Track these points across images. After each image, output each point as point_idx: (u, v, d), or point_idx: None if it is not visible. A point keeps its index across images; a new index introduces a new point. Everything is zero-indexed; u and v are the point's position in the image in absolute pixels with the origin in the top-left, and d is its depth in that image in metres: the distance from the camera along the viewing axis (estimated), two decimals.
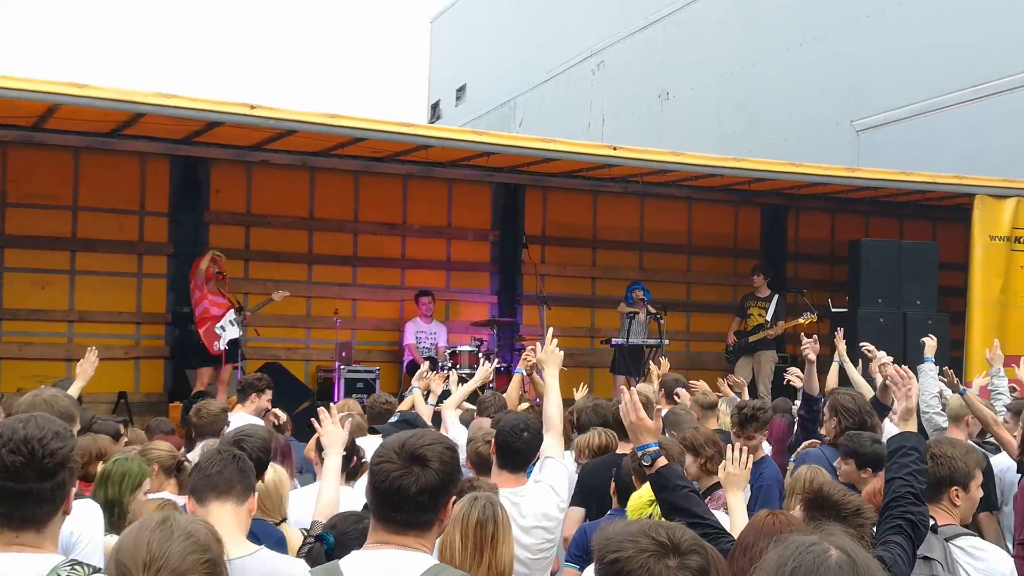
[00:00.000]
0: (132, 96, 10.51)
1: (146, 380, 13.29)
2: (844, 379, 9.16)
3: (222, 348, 12.09)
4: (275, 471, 5.50)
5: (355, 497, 5.47)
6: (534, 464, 5.43)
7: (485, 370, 8.89)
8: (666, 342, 13.57)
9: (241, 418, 8.03)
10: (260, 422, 8.11)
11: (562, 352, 5.88)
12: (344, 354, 13.08)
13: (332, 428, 5.16)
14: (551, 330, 6.15)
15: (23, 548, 3.01)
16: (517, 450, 5.30)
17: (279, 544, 4.87)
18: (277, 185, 13.93)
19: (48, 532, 3.08)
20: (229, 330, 12.12)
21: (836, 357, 9.42)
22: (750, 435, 6.84)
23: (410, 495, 3.22)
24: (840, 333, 9.57)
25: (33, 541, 3.03)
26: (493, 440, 5.43)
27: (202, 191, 13.51)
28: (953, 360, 13.10)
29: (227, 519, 4.04)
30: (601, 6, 23.59)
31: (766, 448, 7.51)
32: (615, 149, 13.11)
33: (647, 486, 4.53)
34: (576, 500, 6.35)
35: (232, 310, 12.17)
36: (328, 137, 12.12)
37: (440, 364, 12.93)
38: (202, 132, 11.90)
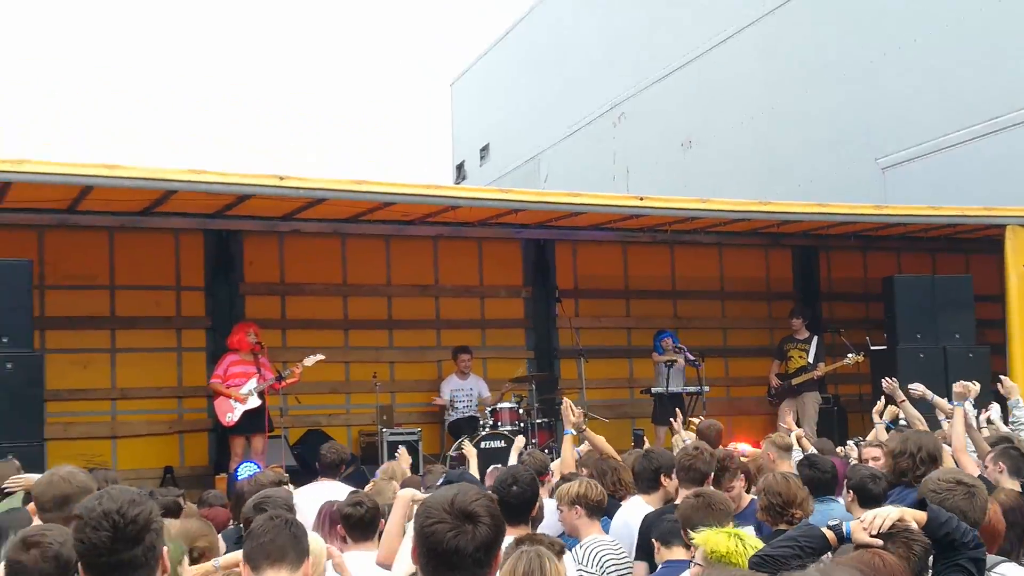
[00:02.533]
0: (163, 174, 10.72)
1: (191, 453, 13.37)
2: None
3: (235, 420, 12.06)
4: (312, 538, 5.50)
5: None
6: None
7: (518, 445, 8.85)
8: (707, 388, 13.55)
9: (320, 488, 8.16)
10: (342, 487, 8.17)
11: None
12: (385, 416, 13.10)
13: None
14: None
15: None
16: (507, 504, 5.30)
17: None
18: (309, 253, 14.06)
19: None
20: (248, 401, 12.14)
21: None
22: (729, 487, 6.89)
23: (467, 553, 3.20)
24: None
25: None
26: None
27: (236, 263, 13.66)
28: (996, 393, 13.03)
29: None
30: (620, 58, 23.78)
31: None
32: (642, 199, 13.18)
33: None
34: (637, 555, 6.26)
35: (252, 379, 12.17)
36: (357, 204, 12.29)
37: (482, 422, 12.95)
38: (233, 205, 12.08)
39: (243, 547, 4.28)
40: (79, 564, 3.18)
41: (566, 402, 8.46)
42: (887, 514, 4.02)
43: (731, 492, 6.68)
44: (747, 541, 4.48)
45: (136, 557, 3.10)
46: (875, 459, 7.76)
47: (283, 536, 4.17)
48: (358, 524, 5.94)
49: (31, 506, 6.31)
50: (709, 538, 4.48)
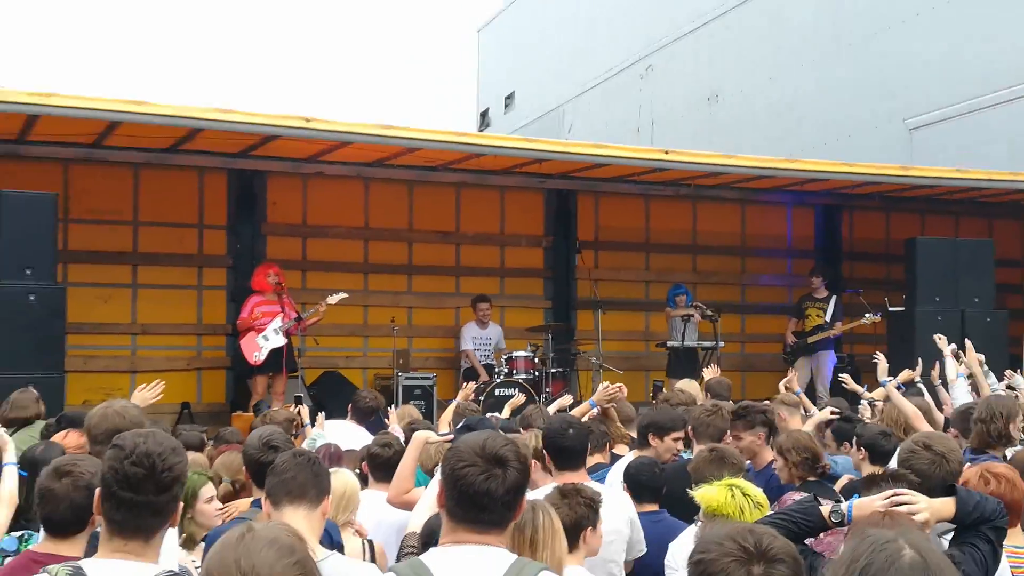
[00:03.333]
0: (190, 112, 10.75)
1: (208, 390, 13.48)
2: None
3: (261, 359, 12.16)
4: (342, 476, 5.56)
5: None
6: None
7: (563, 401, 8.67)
8: (722, 344, 13.58)
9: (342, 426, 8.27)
10: (364, 432, 8.27)
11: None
12: (402, 361, 13.18)
13: None
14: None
15: (128, 556, 3.14)
16: (566, 448, 5.39)
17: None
18: (332, 196, 14.09)
19: (154, 543, 3.21)
20: (272, 339, 12.19)
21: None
22: (737, 434, 6.70)
23: (498, 496, 3.30)
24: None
25: (139, 550, 3.16)
26: (543, 448, 5.52)
27: (259, 203, 13.70)
28: (1012, 357, 13.03)
29: (300, 523, 4.09)
30: (648, 11, 23.61)
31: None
32: (667, 153, 13.16)
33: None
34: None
35: (277, 318, 12.24)
36: (382, 148, 12.30)
37: (497, 369, 13.03)
38: (258, 146, 12.13)
39: (265, 483, 4.35)
40: (98, 491, 3.23)
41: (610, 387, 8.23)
42: (914, 503, 3.84)
43: (740, 443, 6.62)
44: (743, 489, 4.44)
45: (158, 503, 3.17)
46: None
47: (304, 473, 4.25)
48: (383, 465, 6.02)
49: (65, 436, 6.42)
50: (706, 492, 4.44)
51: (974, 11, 16.08)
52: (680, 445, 6.78)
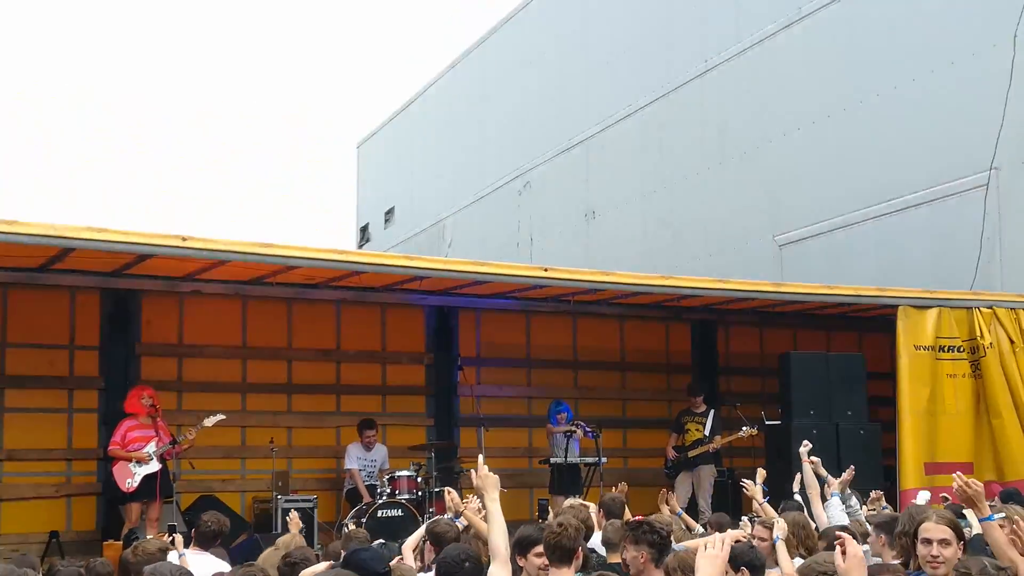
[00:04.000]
0: (62, 231, 10.46)
1: (79, 518, 12.95)
2: None
3: (134, 486, 11.77)
4: None
5: None
6: None
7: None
8: (604, 460, 13.61)
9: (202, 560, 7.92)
10: (224, 566, 8.01)
11: (496, 476, 5.88)
12: (281, 483, 12.90)
13: (487, 474, 5.55)
14: (481, 456, 6.15)
15: None
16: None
17: None
18: (209, 315, 13.86)
19: None
20: (146, 465, 11.86)
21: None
22: (625, 546, 6.53)
23: None
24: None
25: None
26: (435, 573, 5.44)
27: (133, 323, 13.39)
28: (885, 469, 13.34)
29: None
30: (526, 128, 24.09)
31: None
32: (546, 270, 13.27)
33: None
34: None
35: (152, 443, 11.92)
36: (260, 266, 12.14)
37: (380, 490, 12.82)
38: (133, 264, 11.88)
39: None
40: None
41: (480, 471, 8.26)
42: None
43: (627, 555, 6.55)
44: None
45: None
46: (762, 540, 7.82)
47: None
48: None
49: None
50: None
51: (837, 132, 16.75)
52: (546, 559, 6.71)
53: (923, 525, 5.77)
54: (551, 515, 10.78)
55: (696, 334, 16.79)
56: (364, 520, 11.92)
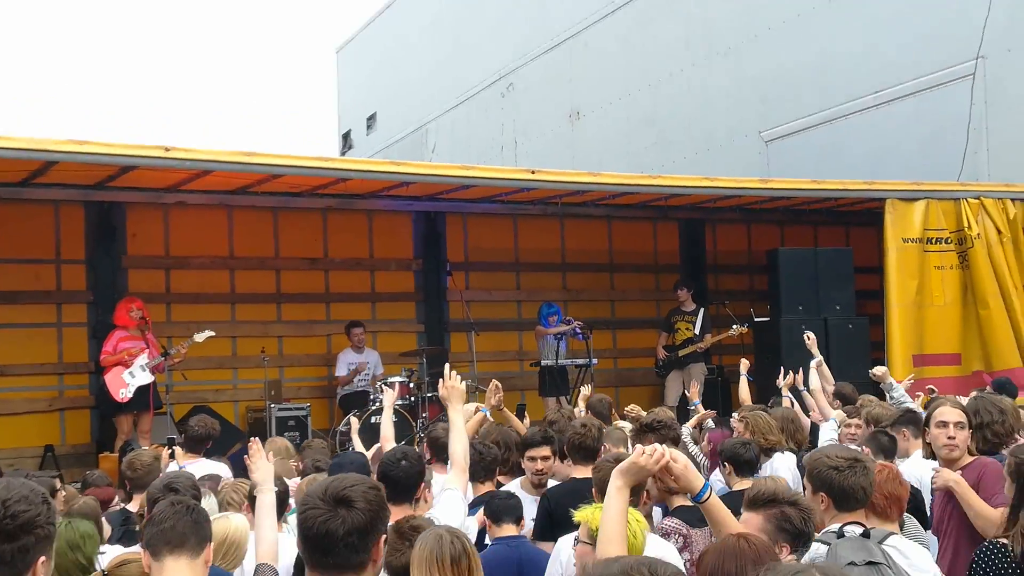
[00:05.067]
0: (44, 144, 10.34)
1: (72, 431, 13.00)
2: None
3: (128, 396, 11.80)
4: (229, 519, 5.42)
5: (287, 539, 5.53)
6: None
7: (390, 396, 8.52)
8: (595, 361, 13.67)
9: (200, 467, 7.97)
10: (222, 468, 8.07)
11: (464, 384, 5.92)
12: (273, 392, 12.95)
13: (263, 463, 5.12)
14: (447, 366, 6.20)
15: None
16: (396, 480, 5.24)
17: None
18: (195, 226, 13.77)
19: None
20: (139, 376, 11.85)
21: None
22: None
23: (338, 537, 3.25)
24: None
25: None
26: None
27: (118, 236, 13.30)
28: (875, 362, 13.43)
29: (182, 573, 4.00)
30: (508, 28, 23.76)
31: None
32: (533, 173, 13.20)
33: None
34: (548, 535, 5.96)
35: (143, 354, 11.92)
36: (244, 175, 12.04)
37: (373, 396, 12.87)
38: (116, 177, 11.75)
39: (144, 533, 4.20)
40: None
41: (493, 383, 8.50)
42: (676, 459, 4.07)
43: None
44: (635, 515, 4.38)
45: (3, 552, 2.97)
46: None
47: (183, 522, 4.11)
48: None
49: None
50: (593, 514, 4.34)
51: (822, 25, 16.58)
52: (539, 464, 6.78)
53: (938, 409, 5.98)
54: (526, 418, 10.86)
55: (683, 233, 16.79)
56: (359, 426, 11.95)
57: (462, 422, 5.79)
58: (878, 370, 9.60)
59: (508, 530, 5.69)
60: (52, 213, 13.00)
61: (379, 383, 13.03)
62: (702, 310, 14.55)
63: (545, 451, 6.82)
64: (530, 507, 6.33)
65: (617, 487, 3.99)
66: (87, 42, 62.49)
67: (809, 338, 10.24)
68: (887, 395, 9.36)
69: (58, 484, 7.43)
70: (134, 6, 61.83)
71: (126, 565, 4.37)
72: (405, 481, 5.30)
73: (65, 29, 61.06)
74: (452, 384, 5.86)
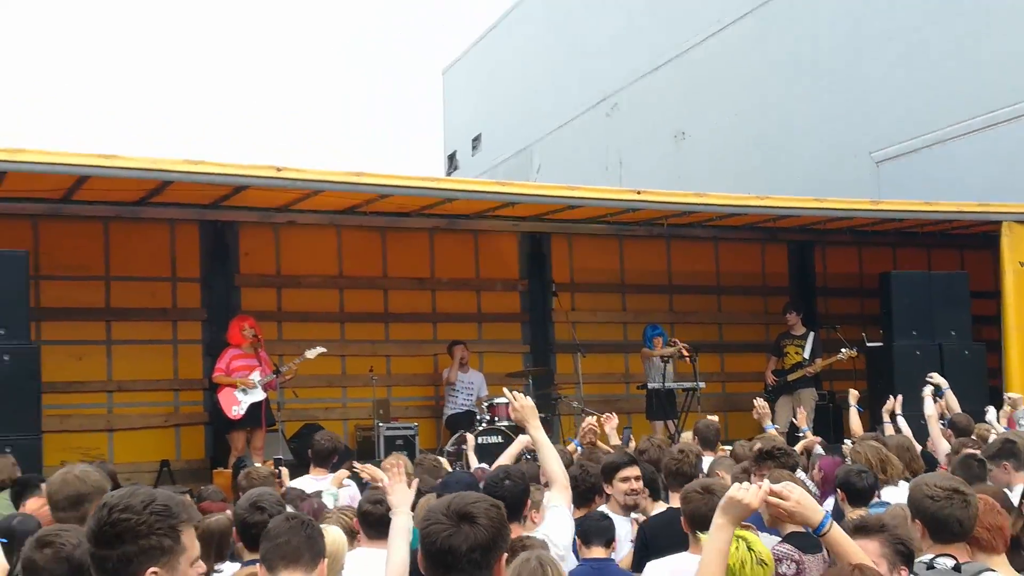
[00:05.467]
0: (160, 164, 10.63)
1: (187, 447, 13.27)
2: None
3: (241, 413, 12.01)
4: (329, 533, 5.46)
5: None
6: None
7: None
8: (702, 384, 13.52)
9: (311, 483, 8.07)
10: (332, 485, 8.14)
11: (531, 400, 5.85)
12: (382, 411, 13.06)
13: (400, 487, 5.10)
14: (505, 389, 6.15)
15: None
16: (500, 499, 5.24)
17: None
18: (305, 245, 14.00)
19: None
20: (251, 393, 12.07)
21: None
22: (763, 475, 6.49)
23: (462, 553, 3.24)
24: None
25: None
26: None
27: (231, 255, 13.58)
28: (992, 390, 13.07)
29: None
30: (614, 49, 23.73)
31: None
32: (639, 193, 13.16)
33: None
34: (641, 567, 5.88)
35: (256, 372, 12.12)
36: (354, 195, 12.22)
37: (479, 417, 12.90)
38: (230, 196, 12.01)
39: (260, 548, 4.25)
40: None
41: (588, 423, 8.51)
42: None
43: None
44: (749, 543, 4.32)
45: (104, 558, 2.98)
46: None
47: (298, 537, 4.15)
48: (376, 522, 5.91)
49: (31, 504, 6.28)
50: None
51: (936, 42, 16.26)
52: (632, 484, 6.71)
53: None
54: (632, 443, 10.75)
55: (793, 255, 16.57)
56: (464, 446, 12.00)
57: (546, 438, 5.73)
58: (1015, 396, 9.37)
59: (597, 552, 5.64)
60: (168, 232, 13.31)
61: (484, 403, 13.08)
62: (812, 334, 14.33)
63: (636, 471, 6.76)
64: (621, 528, 6.29)
65: (718, 525, 3.94)
66: (201, 62, 64.05)
67: (933, 378, 9.98)
68: (1017, 423, 9.12)
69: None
70: (242, 28, 63.22)
71: None
72: (511, 500, 5.27)
73: (180, 46, 62.66)
74: (522, 404, 5.82)
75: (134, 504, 2.99)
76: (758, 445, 7.33)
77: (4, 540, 5.13)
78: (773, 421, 12.30)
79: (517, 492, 5.33)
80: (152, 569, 2.97)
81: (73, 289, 12.78)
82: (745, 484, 3.99)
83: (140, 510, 2.99)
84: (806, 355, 14.10)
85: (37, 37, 59.60)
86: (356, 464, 8.35)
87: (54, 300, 12.55)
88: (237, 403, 11.95)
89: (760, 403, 9.80)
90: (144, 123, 53.17)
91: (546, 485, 5.88)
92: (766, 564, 4.36)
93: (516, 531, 5.14)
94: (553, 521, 5.32)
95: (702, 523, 4.82)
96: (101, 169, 10.33)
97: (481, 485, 5.73)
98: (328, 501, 7.08)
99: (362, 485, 8.27)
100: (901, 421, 9.70)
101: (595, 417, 8.25)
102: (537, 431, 5.70)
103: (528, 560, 4.05)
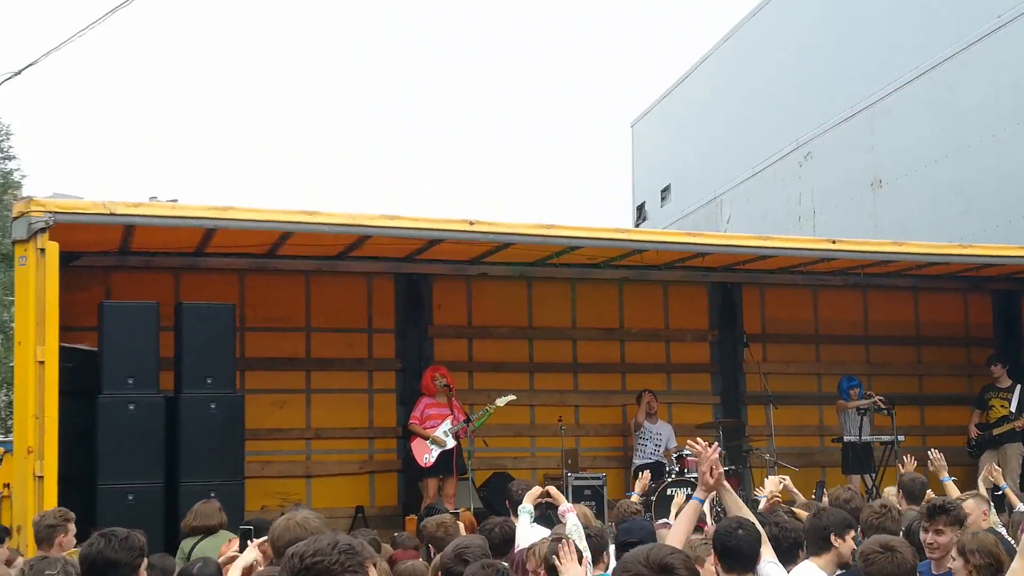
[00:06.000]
0: (359, 220, 10.99)
1: (381, 494, 13.56)
2: None
3: (432, 461, 12.23)
4: None
5: None
6: None
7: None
8: (902, 438, 13.09)
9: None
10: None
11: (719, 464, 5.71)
12: (570, 460, 13.09)
13: (575, 568, 4.97)
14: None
15: None
16: (736, 549, 5.20)
17: None
18: (496, 296, 14.21)
19: None
20: (442, 441, 12.30)
21: None
22: (939, 529, 6.31)
23: None
24: None
25: None
26: (712, 548, 5.39)
27: (425, 306, 13.89)
28: None
29: None
30: (806, 97, 23.38)
31: None
32: (834, 243, 12.92)
33: None
34: None
35: (447, 420, 12.35)
36: (544, 248, 12.36)
37: (668, 468, 12.80)
38: (424, 250, 12.33)
39: None
40: None
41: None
42: None
43: (940, 539, 6.30)
44: None
45: None
46: None
47: None
48: None
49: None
50: None
51: None
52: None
53: None
54: (824, 496, 10.42)
55: (997, 305, 15.93)
56: (653, 498, 11.92)
57: (736, 499, 5.67)
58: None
59: None
60: (365, 285, 13.72)
61: (673, 455, 12.97)
62: (1019, 386, 13.73)
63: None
64: None
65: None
66: (393, 118, 66.05)
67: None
68: None
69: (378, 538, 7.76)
70: (431, 87, 65.00)
71: None
72: (746, 550, 5.26)
73: (371, 106, 64.76)
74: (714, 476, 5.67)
75: (322, 547, 3.13)
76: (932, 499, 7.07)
77: None
78: (977, 477, 11.77)
79: (752, 541, 5.30)
80: None
81: (275, 340, 13.28)
82: None
83: (329, 551, 3.12)
84: (1012, 408, 13.51)
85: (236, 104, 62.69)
86: (549, 488, 8.39)
87: (257, 351, 13.05)
88: (428, 451, 12.20)
89: (935, 455, 9.35)
90: (339, 180, 55.07)
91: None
92: None
93: None
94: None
95: None
96: (306, 225, 10.75)
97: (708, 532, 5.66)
98: (524, 520, 7.19)
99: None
100: None
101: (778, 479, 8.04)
102: (730, 495, 5.66)
103: None
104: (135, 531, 5.09)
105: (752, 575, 5.27)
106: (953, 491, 8.48)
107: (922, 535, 6.28)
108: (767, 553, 5.41)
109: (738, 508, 5.61)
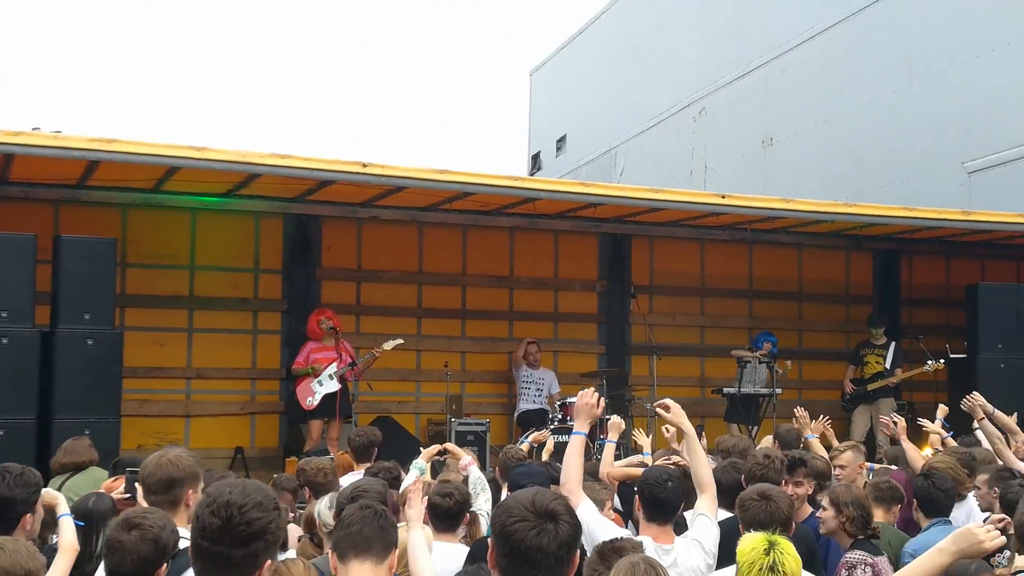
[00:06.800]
0: (249, 157, 10.78)
1: (261, 435, 13.44)
2: None
3: (315, 404, 12.16)
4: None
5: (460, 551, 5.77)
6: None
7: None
8: (779, 391, 13.39)
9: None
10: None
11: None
12: (455, 406, 13.11)
13: (419, 507, 5.30)
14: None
15: None
16: (664, 501, 5.30)
17: None
18: (386, 240, 14.09)
19: None
20: (326, 384, 12.20)
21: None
22: (798, 481, 6.74)
23: (550, 551, 3.22)
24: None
25: None
26: (638, 495, 5.45)
27: (314, 248, 13.72)
28: None
29: None
30: (702, 53, 23.55)
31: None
32: (723, 197, 13.05)
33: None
34: None
35: (332, 364, 12.25)
36: (436, 192, 12.29)
37: (551, 415, 12.89)
38: (315, 190, 12.16)
39: (333, 536, 4.29)
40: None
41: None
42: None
43: (798, 491, 6.61)
44: (782, 549, 3.95)
45: (233, 556, 3.06)
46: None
47: (370, 527, 4.14)
48: (445, 515, 5.95)
49: (115, 481, 6.38)
50: (745, 542, 4.01)
51: None
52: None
53: None
54: (703, 438, 10.59)
55: (878, 264, 16.30)
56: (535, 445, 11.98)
57: (696, 445, 5.63)
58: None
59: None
60: (252, 224, 13.48)
61: (556, 402, 13.07)
62: (894, 343, 14.09)
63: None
64: None
65: (939, 549, 4.12)
66: (288, 58, 64.89)
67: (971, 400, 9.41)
68: None
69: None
70: (326, 27, 63.95)
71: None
72: (673, 502, 5.38)
73: (267, 37, 63.56)
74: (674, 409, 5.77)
75: (264, 502, 3.12)
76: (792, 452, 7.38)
77: (80, 523, 5.23)
78: (851, 430, 12.17)
79: (679, 494, 5.41)
80: (268, 562, 3.14)
81: (158, 277, 13.01)
82: (992, 529, 4.04)
83: (270, 508, 3.10)
84: (887, 365, 13.87)
85: (127, 27, 60.94)
86: (448, 445, 8.44)
87: (139, 287, 12.78)
88: (312, 394, 12.12)
89: (800, 412, 9.57)
90: (230, 117, 54.00)
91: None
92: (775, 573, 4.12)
93: (667, 535, 5.25)
94: (703, 529, 5.33)
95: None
96: (192, 161, 10.50)
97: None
98: (413, 475, 7.15)
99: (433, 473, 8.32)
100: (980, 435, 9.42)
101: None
102: (692, 439, 5.64)
103: (637, 564, 3.98)
104: (28, 467, 4.96)
105: (671, 525, 5.34)
106: (818, 448, 8.71)
107: (783, 485, 6.47)
108: (706, 505, 5.44)
109: (700, 455, 5.62)
